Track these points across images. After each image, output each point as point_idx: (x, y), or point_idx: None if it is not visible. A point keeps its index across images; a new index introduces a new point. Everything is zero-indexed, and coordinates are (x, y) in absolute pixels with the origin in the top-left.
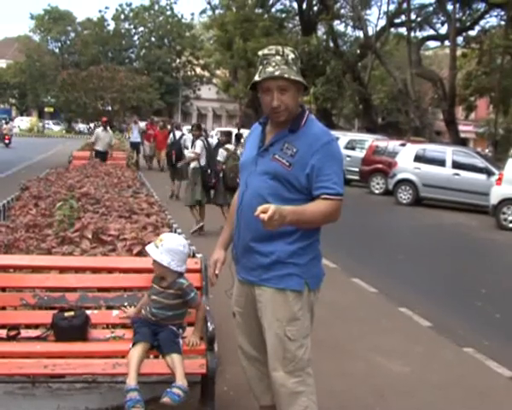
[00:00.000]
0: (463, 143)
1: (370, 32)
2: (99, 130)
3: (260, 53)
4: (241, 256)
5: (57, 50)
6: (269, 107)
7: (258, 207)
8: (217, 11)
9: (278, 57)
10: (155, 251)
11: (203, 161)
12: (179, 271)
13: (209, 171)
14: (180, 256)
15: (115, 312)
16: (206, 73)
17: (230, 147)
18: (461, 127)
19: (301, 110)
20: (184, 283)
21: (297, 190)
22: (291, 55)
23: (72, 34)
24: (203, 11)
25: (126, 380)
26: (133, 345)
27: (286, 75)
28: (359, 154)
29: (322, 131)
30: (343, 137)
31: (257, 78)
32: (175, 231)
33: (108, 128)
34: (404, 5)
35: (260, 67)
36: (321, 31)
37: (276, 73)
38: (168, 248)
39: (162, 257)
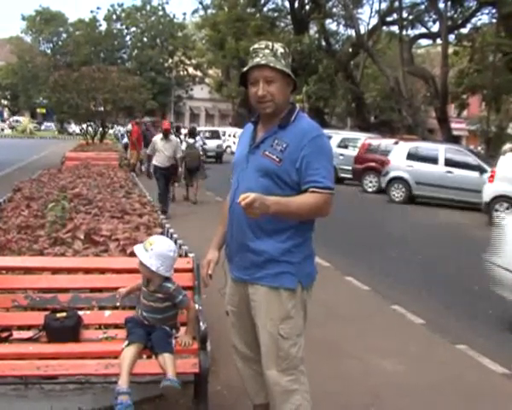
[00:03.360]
0: (456, 140)
1: (362, 30)
2: (157, 138)
3: (251, 48)
4: (234, 255)
5: (49, 51)
6: (255, 98)
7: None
8: (209, 11)
9: (267, 50)
10: (144, 254)
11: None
12: (167, 276)
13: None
14: (169, 262)
15: (107, 312)
16: (199, 73)
17: (190, 140)
18: (453, 125)
19: (291, 107)
20: (171, 287)
21: (288, 186)
22: (280, 50)
23: (64, 35)
24: (195, 11)
25: (118, 381)
26: (127, 345)
27: (272, 64)
28: (352, 152)
29: (311, 126)
30: (336, 136)
31: (244, 69)
32: (167, 232)
33: (172, 136)
34: (396, 3)
35: (250, 61)
36: (313, 29)
37: (262, 62)
38: (158, 253)
39: (151, 262)
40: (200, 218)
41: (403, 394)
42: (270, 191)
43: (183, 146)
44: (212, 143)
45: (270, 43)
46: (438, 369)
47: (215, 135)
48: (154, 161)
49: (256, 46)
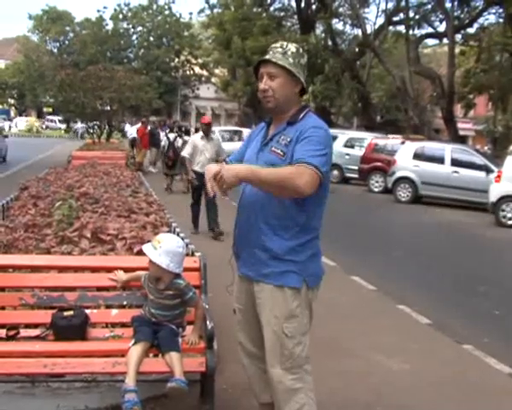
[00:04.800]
0: (462, 140)
1: (369, 30)
2: (196, 137)
3: (269, 47)
4: (241, 251)
5: (56, 50)
6: (260, 92)
7: (258, 200)
8: (215, 10)
9: (279, 49)
10: (154, 253)
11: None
12: (177, 272)
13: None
14: (178, 258)
15: (114, 311)
16: (205, 72)
17: (187, 138)
18: (460, 125)
19: (302, 106)
20: (182, 283)
21: None
22: (292, 49)
23: (71, 34)
24: (201, 10)
25: (125, 379)
26: (134, 344)
27: (274, 60)
28: (358, 152)
29: (315, 121)
30: (342, 136)
31: (253, 65)
32: (174, 231)
33: (214, 135)
34: (403, 3)
35: None
36: (319, 29)
37: (266, 57)
38: (167, 250)
39: (161, 259)
40: None
41: (408, 393)
42: None
43: (179, 143)
44: (232, 147)
45: (284, 43)
46: (443, 369)
47: (238, 136)
48: (195, 166)
49: (272, 45)
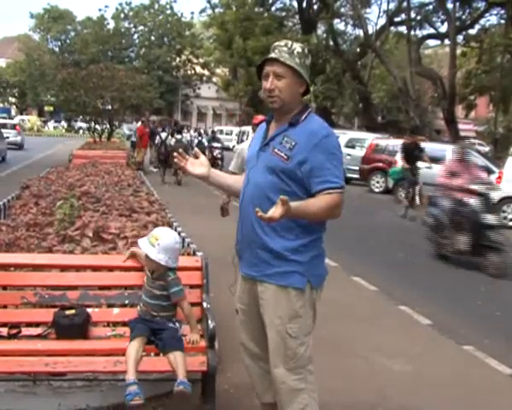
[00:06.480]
0: None
1: (370, 30)
2: (246, 145)
3: (273, 45)
4: (244, 252)
5: (57, 49)
6: (264, 92)
7: (259, 201)
8: (216, 10)
9: (285, 48)
10: (152, 250)
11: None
12: (174, 267)
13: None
14: (175, 253)
15: (116, 310)
16: (206, 72)
17: (179, 136)
18: (461, 126)
19: (304, 107)
20: (170, 275)
21: (296, 183)
22: (298, 49)
23: (72, 33)
24: (203, 10)
25: (126, 376)
26: (130, 341)
27: (282, 59)
28: (359, 152)
29: (321, 126)
30: (343, 136)
31: (258, 62)
32: (175, 230)
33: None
34: (404, 4)
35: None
36: (321, 29)
37: (273, 56)
38: (165, 247)
39: (160, 256)
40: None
41: (409, 393)
42: (278, 187)
43: (173, 141)
44: None
45: (289, 42)
46: (444, 369)
47: None
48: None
49: (276, 43)
